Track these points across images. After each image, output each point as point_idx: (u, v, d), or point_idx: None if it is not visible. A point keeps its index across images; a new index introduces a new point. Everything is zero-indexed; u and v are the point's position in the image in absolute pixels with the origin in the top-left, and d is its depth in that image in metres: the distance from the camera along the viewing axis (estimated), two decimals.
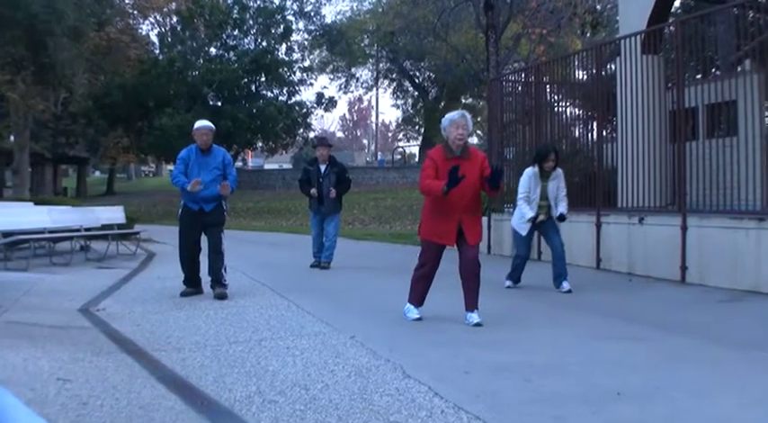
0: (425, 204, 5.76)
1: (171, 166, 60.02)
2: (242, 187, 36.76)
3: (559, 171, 7.63)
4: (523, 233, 7.67)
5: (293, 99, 31.88)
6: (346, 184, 10.02)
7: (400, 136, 60.06)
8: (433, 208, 5.65)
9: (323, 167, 9.85)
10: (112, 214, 13.09)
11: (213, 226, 7.25)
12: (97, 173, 64.23)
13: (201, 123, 7.36)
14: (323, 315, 5.99)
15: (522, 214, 7.65)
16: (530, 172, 7.63)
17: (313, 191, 9.74)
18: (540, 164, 7.60)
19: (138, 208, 27.45)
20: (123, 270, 9.85)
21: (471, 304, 5.60)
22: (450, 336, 5.18)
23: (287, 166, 55.29)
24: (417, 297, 5.82)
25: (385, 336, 5.15)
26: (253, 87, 30.62)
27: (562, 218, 7.59)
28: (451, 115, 5.64)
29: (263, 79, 30.63)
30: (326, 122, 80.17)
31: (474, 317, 5.53)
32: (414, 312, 5.77)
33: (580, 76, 11.27)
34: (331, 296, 7.27)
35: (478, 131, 50.84)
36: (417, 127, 45.74)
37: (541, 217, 7.61)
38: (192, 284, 7.35)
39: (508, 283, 7.84)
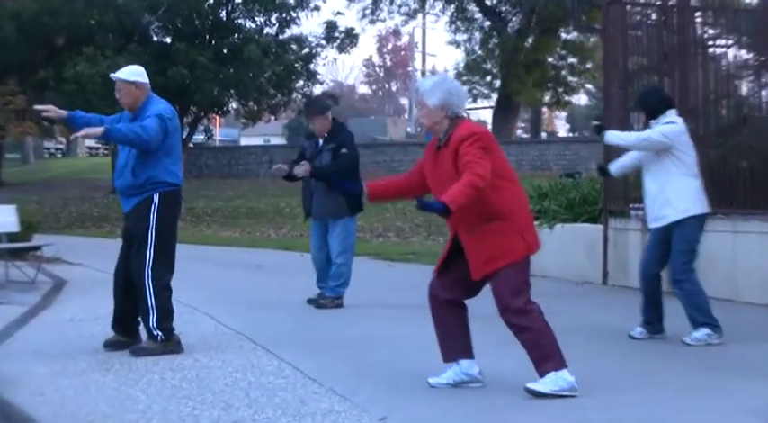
0: None
1: (91, 143, 60.02)
2: (206, 175, 36.95)
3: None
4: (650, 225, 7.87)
5: (287, 33, 31.92)
6: (341, 162, 9.70)
7: None
8: None
9: (321, 142, 9.96)
10: (0, 218, 13.29)
11: (134, 237, 7.25)
12: None
13: (115, 73, 7.39)
14: (335, 383, 6.03)
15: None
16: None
17: (276, 167, 10.16)
18: None
19: (39, 207, 27.82)
20: (17, 307, 10.00)
21: (539, 367, 5.66)
22: (546, 415, 5.20)
23: (277, 140, 55.35)
24: (441, 348, 6.01)
25: (434, 417, 5.17)
26: (222, 14, 30.76)
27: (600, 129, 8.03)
28: None
29: (238, 1, 30.77)
30: (342, 71, 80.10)
31: (540, 384, 5.58)
32: (445, 376, 5.92)
33: (749, 0, 11.19)
34: (347, 352, 7.31)
35: (588, 85, 50.69)
36: (490, 78, 45.62)
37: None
38: (123, 330, 7.43)
39: (638, 330, 7.89)
